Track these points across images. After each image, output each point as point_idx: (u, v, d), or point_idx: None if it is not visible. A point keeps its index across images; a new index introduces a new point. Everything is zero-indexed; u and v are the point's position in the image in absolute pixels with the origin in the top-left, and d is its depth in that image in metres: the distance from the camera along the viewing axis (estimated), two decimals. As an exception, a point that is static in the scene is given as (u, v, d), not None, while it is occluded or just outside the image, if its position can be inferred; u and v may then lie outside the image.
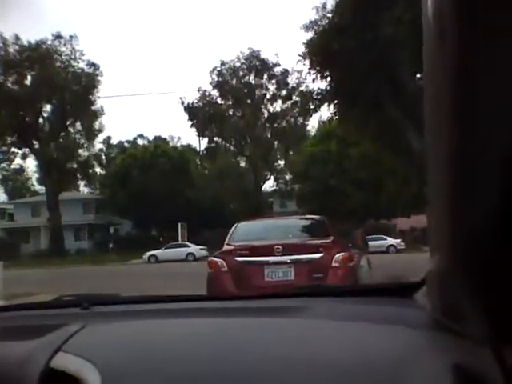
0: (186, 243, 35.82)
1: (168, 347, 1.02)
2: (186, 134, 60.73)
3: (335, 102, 14.08)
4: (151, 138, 65.63)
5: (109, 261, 34.21)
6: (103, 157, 68.78)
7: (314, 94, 14.56)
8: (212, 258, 6.17)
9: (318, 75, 13.38)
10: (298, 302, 1.30)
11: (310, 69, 13.43)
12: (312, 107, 14.96)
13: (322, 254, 5.75)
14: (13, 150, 49.23)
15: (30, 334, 1.16)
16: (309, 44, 13.40)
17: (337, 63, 12.53)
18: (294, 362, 0.89)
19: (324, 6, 13.80)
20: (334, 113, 14.77)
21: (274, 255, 5.74)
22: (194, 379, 0.88)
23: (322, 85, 14.27)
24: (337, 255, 5.75)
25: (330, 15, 13.12)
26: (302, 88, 36.10)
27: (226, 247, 6.29)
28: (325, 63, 12.95)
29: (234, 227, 6.88)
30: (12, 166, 62.63)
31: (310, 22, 13.78)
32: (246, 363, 0.91)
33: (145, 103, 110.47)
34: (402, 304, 1.18)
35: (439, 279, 0.88)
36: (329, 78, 13.52)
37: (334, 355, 0.91)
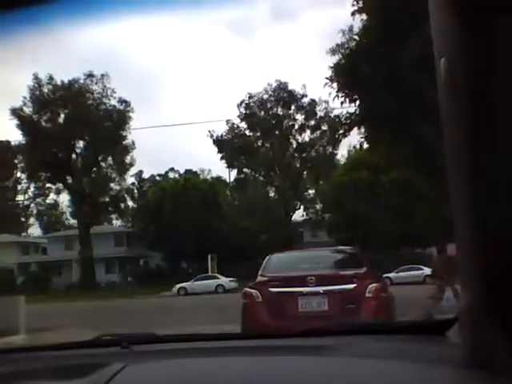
0: (216, 275, 35.47)
1: None
2: (216, 167, 61.15)
3: (365, 125, 13.70)
4: (182, 171, 66.25)
5: (138, 294, 33.98)
6: (135, 191, 69.93)
7: (342, 119, 14.24)
8: (246, 289, 6.22)
9: (346, 99, 13.07)
10: (330, 340, 1.30)
11: (337, 91, 13.13)
12: (341, 132, 14.56)
13: (355, 285, 5.76)
14: (47, 185, 50.47)
15: (73, 373, 1.20)
16: (336, 67, 13.19)
17: (365, 85, 12.23)
18: None
19: (351, 28, 13.66)
20: (365, 137, 14.36)
21: (308, 286, 5.75)
22: None
23: (351, 109, 13.98)
24: (370, 286, 5.73)
25: (357, 37, 12.91)
26: (331, 115, 35.92)
27: (259, 278, 6.32)
28: (353, 85, 12.66)
29: (266, 259, 6.85)
30: (47, 201, 64.03)
31: (337, 44, 13.68)
32: None
33: (175, 137, 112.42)
34: (435, 342, 1.18)
35: (471, 316, 0.90)
36: (357, 102, 13.22)
37: None
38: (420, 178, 16.92)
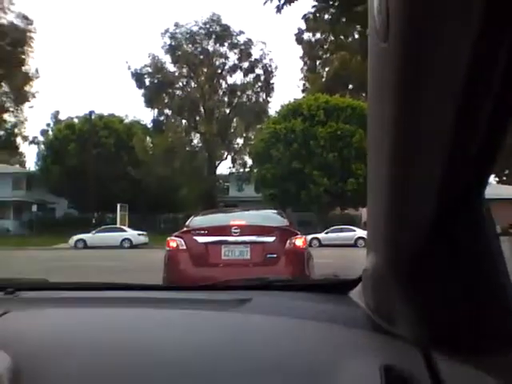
0: (122, 227, 30.64)
1: (95, 338, 0.97)
2: (141, 114, 54.56)
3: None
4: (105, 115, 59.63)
5: (32, 244, 28.96)
6: (50, 132, 62.91)
7: None
8: (171, 237, 6.36)
9: None
10: (238, 294, 1.27)
11: None
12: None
13: (275, 237, 6.04)
14: None
15: None
16: None
17: None
18: (225, 355, 0.90)
19: None
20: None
21: (232, 235, 6.00)
22: (113, 370, 0.88)
23: None
24: (290, 239, 6.04)
25: None
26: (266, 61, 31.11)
27: (184, 229, 6.49)
28: None
29: (190, 219, 6.92)
30: None
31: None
32: (178, 357, 0.90)
33: (99, 79, 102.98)
34: (338, 301, 1.17)
35: (374, 278, 0.91)
36: None
37: (266, 350, 0.91)
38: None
